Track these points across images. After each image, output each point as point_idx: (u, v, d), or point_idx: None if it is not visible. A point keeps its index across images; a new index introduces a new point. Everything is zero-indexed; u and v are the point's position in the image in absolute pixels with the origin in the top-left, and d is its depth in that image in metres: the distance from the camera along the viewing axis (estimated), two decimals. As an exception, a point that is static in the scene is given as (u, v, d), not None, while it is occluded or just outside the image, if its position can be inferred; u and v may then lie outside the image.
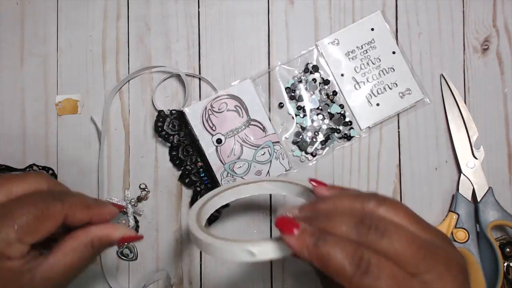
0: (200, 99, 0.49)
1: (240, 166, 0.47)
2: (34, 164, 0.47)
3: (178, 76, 0.49)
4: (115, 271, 0.49)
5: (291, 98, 0.49)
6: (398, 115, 0.49)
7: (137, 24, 0.50)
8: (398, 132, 0.49)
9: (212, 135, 0.47)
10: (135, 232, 0.33)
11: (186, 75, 0.49)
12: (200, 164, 0.48)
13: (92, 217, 0.32)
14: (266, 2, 0.50)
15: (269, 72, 0.50)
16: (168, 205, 0.49)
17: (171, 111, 0.48)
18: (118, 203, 0.48)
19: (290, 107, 0.49)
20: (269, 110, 0.49)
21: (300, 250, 0.26)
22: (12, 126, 0.50)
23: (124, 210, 0.48)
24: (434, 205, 0.49)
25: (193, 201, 0.48)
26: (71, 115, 0.50)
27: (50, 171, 0.48)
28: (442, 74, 0.49)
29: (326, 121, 0.49)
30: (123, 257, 0.48)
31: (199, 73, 0.50)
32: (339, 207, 0.28)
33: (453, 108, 0.49)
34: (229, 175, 0.47)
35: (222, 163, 0.47)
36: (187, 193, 0.49)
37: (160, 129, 0.47)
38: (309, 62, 0.50)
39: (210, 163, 0.47)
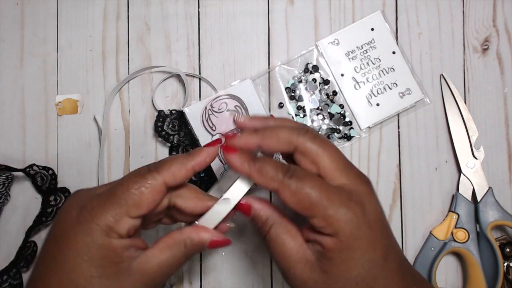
0: (200, 99, 0.49)
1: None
2: (34, 164, 0.47)
3: (178, 76, 0.49)
4: (115, 271, 0.49)
5: (291, 98, 0.49)
6: (398, 115, 0.49)
7: (137, 24, 0.50)
8: (398, 132, 0.49)
9: (212, 135, 0.47)
10: (224, 237, 0.34)
11: (186, 75, 0.49)
12: None
13: (194, 170, 0.33)
14: (266, 2, 0.50)
15: (269, 72, 0.50)
16: (168, 205, 0.49)
17: (171, 111, 0.48)
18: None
19: (290, 107, 0.49)
20: (269, 110, 0.49)
21: (241, 165, 0.32)
22: (12, 126, 0.50)
23: None
24: (434, 205, 0.49)
25: None
26: (71, 115, 0.50)
27: (50, 171, 0.48)
28: (442, 74, 0.49)
29: (326, 121, 0.49)
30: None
31: (199, 73, 0.50)
32: (285, 123, 0.35)
33: (453, 108, 0.49)
34: None
35: (222, 163, 0.47)
36: (187, 193, 0.49)
37: (160, 129, 0.47)
38: (309, 62, 0.50)
39: (210, 163, 0.47)
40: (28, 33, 0.50)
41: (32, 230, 0.46)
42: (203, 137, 0.47)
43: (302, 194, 0.30)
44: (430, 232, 0.47)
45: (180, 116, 0.48)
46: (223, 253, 0.49)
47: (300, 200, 0.30)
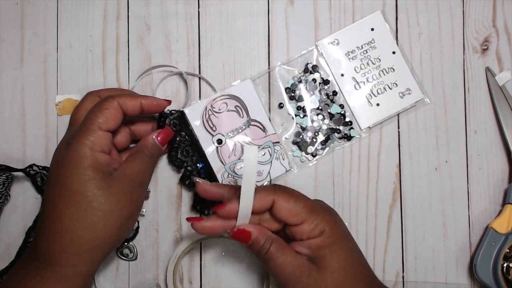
0: (200, 99, 0.49)
1: (241, 167, 0.47)
2: (34, 164, 0.47)
3: (178, 76, 0.49)
4: (115, 271, 0.49)
5: (291, 98, 0.49)
6: (398, 115, 0.49)
7: (137, 24, 0.50)
8: (398, 132, 0.49)
9: (213, 136, 0.47)
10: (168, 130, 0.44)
11: (187, 74, 0.49)
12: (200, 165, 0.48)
13: (142, 103, 0.42)
14: (266, 2, 0.50)
15: (269, 72, 0.50)
16: (168, 205, 0.49)
17: (171, 111, 0.48)
18: None
19: (289, 107, 0.49)
20: (269, 110, 0.49)
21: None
22: (12, 126, 0.50)
23: None
24: (434, 205, 0.49)
25: (195, 203, 0.48)
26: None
27: (50, 171, 0.48)
28: (487, 67, 0.49)
29: (326, 121, 0.49)
30: (122, 257, 0.48)
31: (199, 73, 0.50)
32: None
33: (502, 100, 0.48)
34: (229, 175, 0.47)
35: (223, 164, 0.47)
36: (187, 193, 0.49)
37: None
38: (309, 62, 0.50)
39: (211, 164, 0.47)
40: (28, 33, 0.50)
41: (32, 230, 0.46)
42: (204, 138, 0.47)
43: (291, 206, 0.37)
44: (490, 226, 0.47)
45: (180, 117, 0.48)
46: (223, 253, 0.49)
47: (290, 211, 0.37)
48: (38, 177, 0.48)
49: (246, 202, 0.36)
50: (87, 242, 0.38)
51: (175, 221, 0.49)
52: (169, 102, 0.45)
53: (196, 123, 0.47)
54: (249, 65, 0.50)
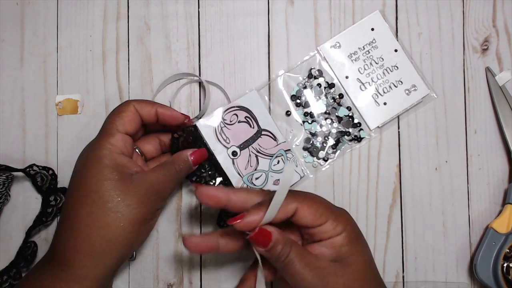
0: (200, 102, 0.49)
1: (258, 178, 0.47)
2: (34, 164, 0.47)
3: (178, 80, 0.49)
4: (115, 271, 0.49)
5: (297, 105, 0.49)
6: (398, 116, 0.49)
7: (137, 24, 0.50)
8: (398, 132, 0.49)
9: (227, 148, 0.47)
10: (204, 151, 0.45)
11: (207, 82, 0.49)
12: (219, 179, 0.47)
13: (158, 111, 0.43)
14: (266, 2, 0.50)
15: (273, 81, 0.50)
16: (168, 206, 0.49)
17: (183, 128, 0.46)
18: None
19: (297, 114, 0.49)
20: (277, 119, 0.49)
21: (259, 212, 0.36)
22: (12, 126, 0.50)
23: None
24: (434, 205, 0.49)
25: (220, 218, 0.47)
26: (71, 115, 0.50)
27: (50, 171, 0.48)
28: (487, 67, 0.49)
29: (335, 124, 0.49)
30: (123, 257, 0.48)
31: (199, 73, 0.50)
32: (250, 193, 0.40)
33: (500, 98, 0.48)
34: (248, 187, 0.47)
35: (241, 176, 0.47)
36: (187, 193, 0.49)
37: (175, 147, 0.45)
38: (313, 67, 0.49)
39: (229, 177, 0.46)
40: (28, 33, 0.50)
41: (32, 230, 0.46)
42: (219, 151, 0.46)
43: (314, 210, 0.37)
44: (490, 226, 0.47)
45: (194, 131, 0.46)
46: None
47: (315, 214, 0.37)
48: (38, 177, 0.48)
49: (272, 212, 0.35)
50: (99, 243, 0.38)
51: (175, 221, 0.49)
52: (186, 117, 0.44)
53: (210, 137, 0.46)
54: (249, 65, 0.50)
